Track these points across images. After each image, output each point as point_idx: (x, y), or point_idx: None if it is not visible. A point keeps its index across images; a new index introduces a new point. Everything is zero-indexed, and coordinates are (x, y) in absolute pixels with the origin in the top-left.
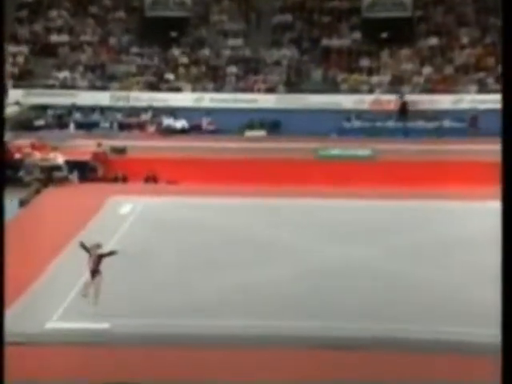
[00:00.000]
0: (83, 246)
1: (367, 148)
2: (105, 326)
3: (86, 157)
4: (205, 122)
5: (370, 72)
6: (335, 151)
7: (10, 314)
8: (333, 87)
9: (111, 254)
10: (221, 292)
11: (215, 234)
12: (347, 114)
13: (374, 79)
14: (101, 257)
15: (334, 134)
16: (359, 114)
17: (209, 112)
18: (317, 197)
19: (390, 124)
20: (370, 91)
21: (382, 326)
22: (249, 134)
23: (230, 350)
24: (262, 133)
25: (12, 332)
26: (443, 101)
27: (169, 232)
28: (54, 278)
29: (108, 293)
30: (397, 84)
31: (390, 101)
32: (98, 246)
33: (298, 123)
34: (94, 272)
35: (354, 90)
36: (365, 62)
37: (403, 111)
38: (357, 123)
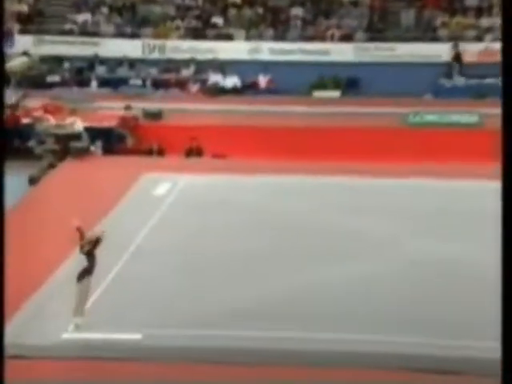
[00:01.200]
0: (79, 231)
1: (473, 113)
2: (136, 337)
3: (112, 123)
4: (262, 80)
5: (479, 13)
6: (431, 117)
7: (18, 320)
8: (429, 33)
9: (96, 242)
10: (280, 295)
11: (273, 221)
12: (447, 69)
13: (484, 22)
14: (93, 256)
15: (430, 95)
16: (463, 69)
17: (267, 67)
18: (406, 175)
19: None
20: (478, 39)
21: None
22: (318, 94)
23: (296, 370)
24: (335, 93)
25: (21, 344)
26: None
27: (215, 219)
28: (72, 276)
29: (139, 296)
30: None
31: None
32: (98, 240)
33: (381, 81)
34: (85, 272)
35: (457, 37)
36: (472, 0)
37: None
38: (460, 80)
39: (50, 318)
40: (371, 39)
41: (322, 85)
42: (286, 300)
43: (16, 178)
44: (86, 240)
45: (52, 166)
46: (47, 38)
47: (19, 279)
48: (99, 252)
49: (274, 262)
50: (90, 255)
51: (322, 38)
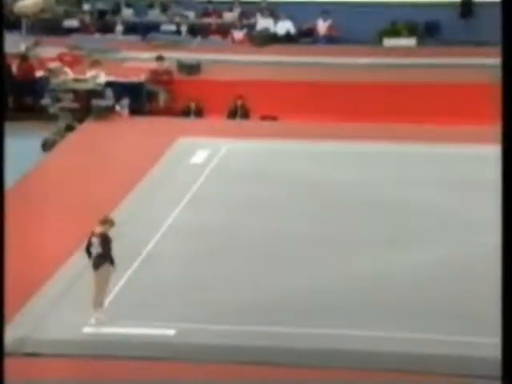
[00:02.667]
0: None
1: None
2: (169, 332)
3: (141, 77)
4: (321, 26)
5: None
6: None
7: (30, 312)
8: None
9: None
10: (335, 286)
11: (330, 195)
12: None
13: None
14: (105, 238)
15: None
16: None
17: (327, 10)
18: (490, 141)
19: None
20: None
21: None
22: (389, 43)
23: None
24: (410, 41)
25: (35, 339)
26: None
27: (261, 192)
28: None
29: (171, 283)
30: None
31: None
32: (111, 222)
33: (467, 26)
34: (101, 258)
35: None
36: None
37: None
38: None
39: (68, 309)
40: None
41: (393, 31)
42: (342, 292)
43: (26, 142)
44: (101, 220)
45: (69, 128)
46: None
47: (29, 264)
48: (128, 231)
49: (328, 246)
50: (103, 238)
51: None
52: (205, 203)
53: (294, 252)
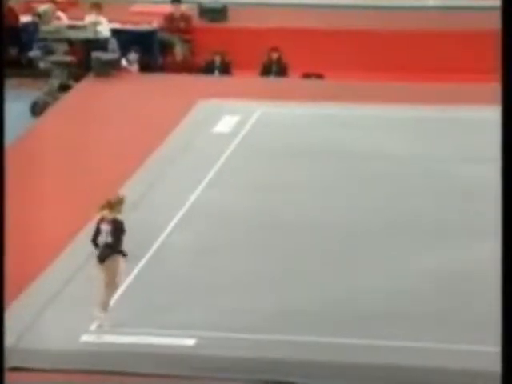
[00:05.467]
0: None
1: None
2: (188, 342)
3: (153, 24)
4: None
5: None
6: None
7: (16, 314)
8: None
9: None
10: (403, 282)
11: (389, 173)
12: None
13: None
14: (119, 225)
15: None
16: None
17: None
18: None
19: None
20: None
21: None
22: None
23: None
24: None
25: (20, 350)
26: None
27: (303, 171)
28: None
29: (189, 281)
30: None
31: None
32: (120, 201)
33: None
34: (110, 248)
35: None
36: None
37: None
38: None
39: (63, 311)
40: None
41: None
42: (404, 297)
43: (11, 105)
44: (106, 204)
45: (64, 87)
46: None
47: (18, 254)
48: (136, 216)
49: (383, 238)
50: (116, 226)
51: None
52: (231, 183)
53: (337, 247)
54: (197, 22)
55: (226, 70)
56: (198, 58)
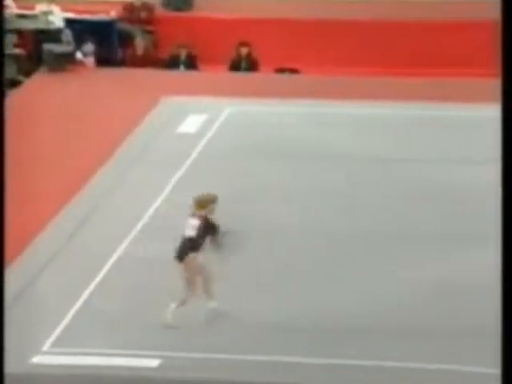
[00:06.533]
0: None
1: None
2: (151, 363)
3: (111, 13)
4: None
5: None
6: None
7: None
8: None
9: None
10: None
11: (370, 176)
12: None
13: None
14: (208, 223)
15: None
16: None
17: None
18: None
19: None
20: None
21: None
22: None
23: None
24: None
25: None
26: None
27: (278, 174)
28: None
29: (151, 297)
30: None
31: None
32: (214, 200)
33: None
34: (189, 244)
35: None
36: None
37: None
38: None
39: (15, 324)
40: None
41: None
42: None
43: None
44: (201, 199)
45: (13, 82)
46: None
47: None
48: (97, 223)
49: (362, 243)
50: (205, 222)
51: None
52: (199, 187)
53: (312, 253)
54: (160, 11)
55: (192, 64)
56: (161, 51)
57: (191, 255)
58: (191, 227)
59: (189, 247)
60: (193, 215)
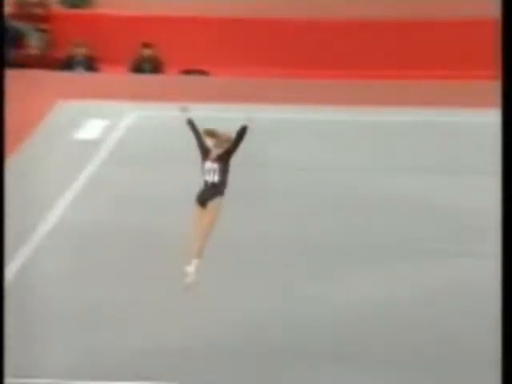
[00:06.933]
0: (191, 124)
1: None
2: None
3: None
4: None
5: None
6: None
7: None
8: None
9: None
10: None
11: (290, 186)
12: None
13: None
14: (229, 154)
15: None
16: None
17: None
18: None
19: None
20: None
21: None
22: None
23: None
24: None
25: None
26: None
27: (185, 181)
28: None
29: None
30: None
31: None
32: (228, 139)
33: None
34: (215, 189)
35: None
36: None
37: None
38: None
39: None
40: None
41: None
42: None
43: None
44: (220, 137)
45: None
46: None
47: None
48: None
49: (274, 256)
50: (225, 162)
51: None
52: (97, 200)
53: (231, 266)
54: (56, 7)
55: (90, 65)
56: (57, 51)
57: (217, 200)
58: (212, 172)
59: (212, 193)
60: (207, 158)
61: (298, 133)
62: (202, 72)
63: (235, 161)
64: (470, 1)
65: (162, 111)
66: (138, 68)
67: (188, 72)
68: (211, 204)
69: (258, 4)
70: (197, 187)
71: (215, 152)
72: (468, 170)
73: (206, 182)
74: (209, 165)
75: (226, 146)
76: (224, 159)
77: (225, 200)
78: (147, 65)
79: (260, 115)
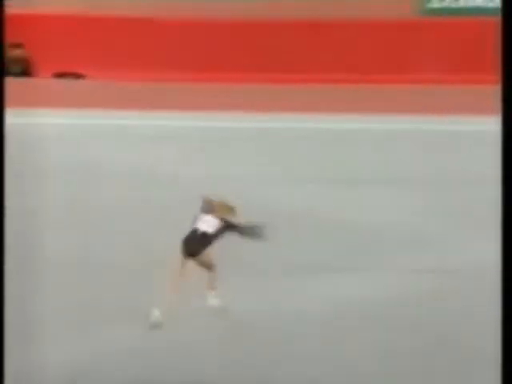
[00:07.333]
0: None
1: None
2: None
3: None
4: None
5: None
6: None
7: None
8: None
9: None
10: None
11: (159, 193)
12: None
13: None
14: (228, 228)
15: None
16: None
17: None
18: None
19: None
20: None
21: None
22: None
23: None
24: None
25: None
26: None
27: (58, 193)
28: None
29: None
30: None
31: None
32: (232, 209)
33: None
34: (206, 239)
35: None
36: None
37: None
38: None
39: None
40: None
41: None
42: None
43: None
44: (223, 207)
45: None
46: None
47: None
48: None
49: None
50: (226, 224)
51: None
52: None
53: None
54: None
55: None
56: None
57: (206, 251)
58: (209, 224)
59: (203, 243)
60: (209, 212)
61: (179, 140)
62: (77, 75)
63: (92, 170)
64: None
65: (33, 118)
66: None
67: (61, 75)
68: (202, 255)
69: (145, 3)
70: (70, 201)
71: (219, 216)
72: (366, 181)
73: (197, 231)
74: (207, 217)
75: (228, 216)
76: (228, 222)
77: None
78: (16, 67)
79: (132, 121)
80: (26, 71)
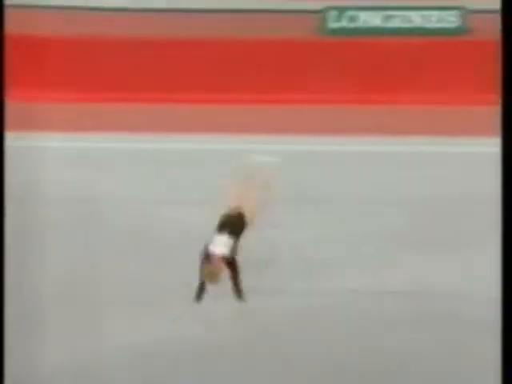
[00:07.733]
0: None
1: (451, 9)
2: None
3: None
4: None
5: None
6: (364, 17)
7: None
8: None
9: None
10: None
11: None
12: None
13: None
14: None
15: None
16: None
17: None
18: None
19: None
20: None
21: None
22: None
23: None
24: None
25: None
26: None
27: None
28: None
29: None
30: None
31: None
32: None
33: None
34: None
35: None
36: None
37: None
38: None
39: None
40: None
41: None
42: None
43: None
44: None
45: None
46: None
47: None
48: None
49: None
50: (230, 263)
51: None
52: None
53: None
54: None
55: None
56: None
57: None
58: (223, 245)
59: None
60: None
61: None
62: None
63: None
64: None
65: None
66: None
67: None
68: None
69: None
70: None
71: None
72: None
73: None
74: (220, 237)
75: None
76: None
77: None
78: None
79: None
80: None
